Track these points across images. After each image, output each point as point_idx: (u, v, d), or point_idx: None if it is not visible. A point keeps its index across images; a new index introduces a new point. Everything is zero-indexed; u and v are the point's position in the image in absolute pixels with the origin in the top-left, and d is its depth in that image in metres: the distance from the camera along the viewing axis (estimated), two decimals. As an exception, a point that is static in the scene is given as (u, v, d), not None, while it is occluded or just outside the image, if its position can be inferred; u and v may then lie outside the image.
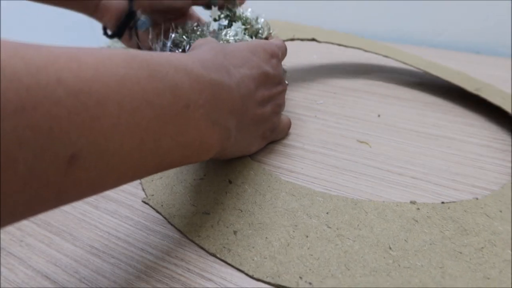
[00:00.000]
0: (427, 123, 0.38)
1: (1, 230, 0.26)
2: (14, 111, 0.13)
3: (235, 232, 0.24)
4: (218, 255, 0.23)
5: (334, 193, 0.28)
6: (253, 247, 0.23)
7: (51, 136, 0.14)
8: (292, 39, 0.45)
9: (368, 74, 0.50)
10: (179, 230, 0.25)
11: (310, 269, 0.21)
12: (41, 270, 0.23)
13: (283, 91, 0.32)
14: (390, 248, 0.22)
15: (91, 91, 0.16)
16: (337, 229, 0.24)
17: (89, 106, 0.15)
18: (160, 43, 0.36)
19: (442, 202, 0.26)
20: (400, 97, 0.45)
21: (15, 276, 0.22)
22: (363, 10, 0.74)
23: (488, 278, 0.20)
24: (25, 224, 0.26)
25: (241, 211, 0.26)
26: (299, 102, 0.43)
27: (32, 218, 0.27)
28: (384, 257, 0.22)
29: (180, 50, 0.35)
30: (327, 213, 0.25)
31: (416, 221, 0.24)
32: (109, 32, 0.39)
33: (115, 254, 0.23)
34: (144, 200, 0.27)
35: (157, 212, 0.26)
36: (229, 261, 0.22)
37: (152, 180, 0.29)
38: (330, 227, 0.24)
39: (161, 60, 0.20)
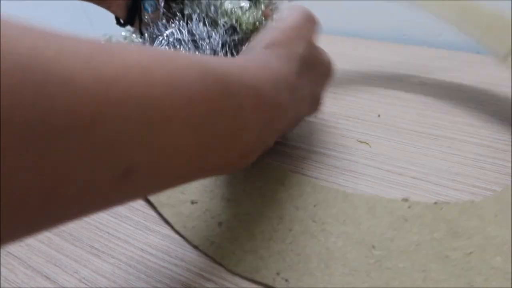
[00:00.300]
0: (427, 123, 0.38)
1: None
2: (83, 127, 0.12)
3: (220, 224, 0.24)
4: (200, 248, 0.22)
5: (334, 193, 0.28)
6: (236, 240, 0.23)
7: (111, 150, 0.14)
8: None
9: (368, 74, 0.50)
10: (166, 221, 0.24)
11: (289, 265, 0.21)
12: (41, 270, 0.23)
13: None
14: (374, 247, 0.22)
15: (160, 108, 0.15)
16: (323, 223, 0.23)
17: (154, 122, 0.15)
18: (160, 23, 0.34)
19: (435, 203, 0.25)
20: (400, 97, 0.45)
21: (15, 276, 0.22)
22: (362, 10, 0.74)
23: (472, 286, 0.20)
24: (25, 224, 0.26)
25: (229, 200, 0.25)
26: (299, 102, 0.43)
27: (32, 218, 0.27)
28: (366, 256, 0.21)
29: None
30: (315, 205, 0.24)
31: (406, 220, 0.23)
32: (121, 21, 0.39)
33: (115, 254, 0.23)
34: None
35: (148, 201, 0.26)
36: (210, 254, 0.22)
37: None
38: (315, 221, 0.23)
39: (233, 77, 0.19)
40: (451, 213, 0.24)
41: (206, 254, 0.22)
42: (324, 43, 0.53)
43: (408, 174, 0.30)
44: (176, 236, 0.25)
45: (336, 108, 0.42)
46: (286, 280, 0.20)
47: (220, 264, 0.22)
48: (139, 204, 0.28)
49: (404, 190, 0.28)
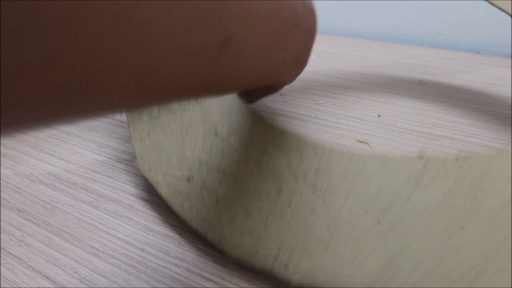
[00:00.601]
0: (427, 123, 0.38)
1: (1, 230, 0.26)
2: None
3: (217, 202, 0.22)
4: (199, 232, 0.21)
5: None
6: (234, 220, 0.21)
7: (219, 16, 0.14)
8: None
9: (368, 74, 0.50)
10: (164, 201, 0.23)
11: (287, 248, 0.19)
12: (41, 270, 0.23)
13: None
14: (387, 210, 0.19)
15: None
16: (324, 193, 0.20)
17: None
18: None
19: (456, 158, 0.20)
20: (400, 97, 0.45)
21: (15, 276, 0.22)
22: (362, 10, 0.74)
23: (501, 246, 0.17)
24: (25, 224, 0.26)
25: (225, 173, 0.23)
26: (299, 102, 0.43)
27: (32, 218, 0.27)
28: (378, 222, 0.18)
29: None
30: (316, 173, 0.21)
31: (423, 176, 0.20)
32: None
33: (115, 254, 0.23)
34: (134, 164, 0.26)
35: (145, 177, 0.25)
36: (209, 238, 0.21)
37: (141, 139, 0.27)
38: (316, 193, 0.21)
39: None
40: (475, 166, 0.20)
41: (205, 238, 0.21)
42: (325, 43, 0.53)
43: (408, 174, 0.30)
44: (176, 236, 0.25)
45: (336, 108, 0.42)
46: (285, 265, 0.18)
47: (220, 250, 0.21)
48: (139, 204, 0.28)
49: (404, 190, 0.28)
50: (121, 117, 0.41)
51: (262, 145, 0.24)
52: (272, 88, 0.24)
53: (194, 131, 0.26)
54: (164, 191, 0.24)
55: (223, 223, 0.21)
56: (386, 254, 0.18)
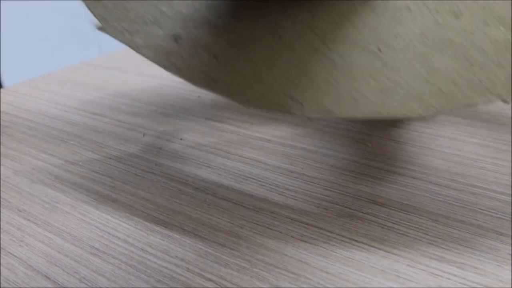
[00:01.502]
0: (427, 122, 0.38)
1: (1, 230, 0.26)
2: None
3: (216, 57, 0.21)
4: (206, 87, 0.20)
5: (335, 193, 0.28)
6: (240, 73, 0.20)
7: None
8: None
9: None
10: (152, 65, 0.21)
11: (298, 88, 0.19)
12: (41, 270, 0.23)
13: None
14: (380, 50, 0.20)
15: None
16: (324, 34, 0.21)
17: None
18: None
19: None
20: (400, 97, 0.45)
21: (15, 276, 0.22)
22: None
23: (472, 65, 0.18)
24: (25, 224, 0.26)
25: (217, 26, 0.22)
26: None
27: (32, 218, 0.27)
28: (372, 61, 0.19)
29: None
30: (313, 15, 0.21)
31: (410, 9, 0.21)
32: None
33: (115, 254, 0.23)
34: (100, 28, 0.23)
35: (120, 41, 0.22)
36: (217, 92, 0.20)
37: (98, 1, 0.23)
38: (317, 34, 0.21)
39: None
40: None
41: (212, 91, 0.20)
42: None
43: (408, 174, 0.30)
44: (176, 236, 0.25)
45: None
46: (301, 104, 0.19)
47: (232, 100, 0.20)
48: (139, 204, 0.28)
49: (404, 190, 0.28)
50: (121, 117, 0.41)
51: None
52: None
53: None
54: (149, 53, 0.21)
55: (229, 77, 0.20)
56: (382, 89, 0.19)
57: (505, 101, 0.19)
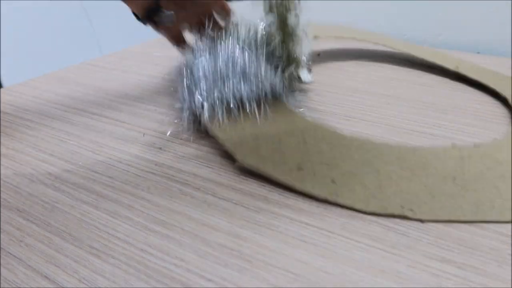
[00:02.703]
0: (427, 123, 0.38)
1: (1, 230, 0.26)
2: None
3: (333, 181, 0.28)
4: (329, 199, 0.27)
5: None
6: (354, 180, 0.29)
7: None
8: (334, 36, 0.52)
9: (368, 74, 0.50)
10: (282, 184, 0.28)
11: (412, 202, 0.27)
12: (41, 270, 0.23)
13: None
14: (455, 179, 0.28)
15: None
16: (411, 169, 0.29)
17: None
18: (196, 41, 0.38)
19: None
20: (400, 97, 0.45)
21: (14, 276, 0.22)
22: (363, 10, 0.74)
23: None
24: (25, 224, 0.26)
25: (328, 164, 0.30)
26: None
27: (32, 218, 0.27)
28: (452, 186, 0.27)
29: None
30: (398, 158, 0.31)
31: (463, 159, 0.30)
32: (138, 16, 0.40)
33: (115, 254, 0.23)
34: (240, 163, 0.30)
35: (257, 172, 0.29)
36: (341, 203, 0.27)
37: (241, 144, 0.32)
38: (403, 169, 0.29)
39: None
40: (488, 149, 0.33)
41: (336, 204, 0.27)
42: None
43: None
44: (176, 236, 0.25)
45: (336, 108, 0.42)
46: (413, 211, 0.26)
47: (358, 210, 0.27)
48: (139, 204, 0.28)
49: (404, 190, 0.28)
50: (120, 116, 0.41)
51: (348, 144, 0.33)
52: None
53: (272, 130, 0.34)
54: (282, 176, 0.29)
55: (347, 192, 0.28)
56: (466, 204, 0.27)
57: None
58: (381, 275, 0.22)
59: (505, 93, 0.42)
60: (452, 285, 0.21)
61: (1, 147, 0.36)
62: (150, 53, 0.61)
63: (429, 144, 0.34)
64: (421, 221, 0.25)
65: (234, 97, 0.34)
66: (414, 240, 0.24)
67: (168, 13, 0.39)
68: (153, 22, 0.40)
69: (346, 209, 0.26)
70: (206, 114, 0.33)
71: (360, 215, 0.26)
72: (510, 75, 0.51)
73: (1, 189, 0.30)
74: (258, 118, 0.33)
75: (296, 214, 0.26)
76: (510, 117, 0.39)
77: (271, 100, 0.36)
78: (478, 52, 0.66)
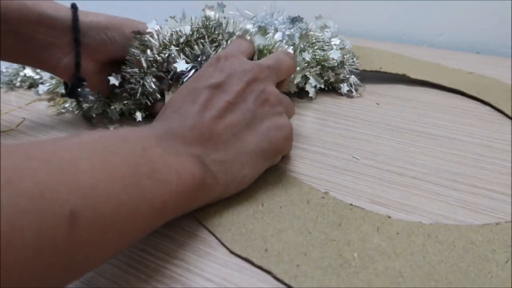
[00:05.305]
0: (427, 123, 0.38)
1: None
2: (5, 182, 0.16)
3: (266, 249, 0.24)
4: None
5: (334, 193, 0.28)
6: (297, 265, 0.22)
7: (44, 199, 0.16)
8: (378, 71, 0.49)
9: (368, 73, 0.50)
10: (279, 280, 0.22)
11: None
12: (41, 270, 0.23)
13: (254, 82, 0.28)
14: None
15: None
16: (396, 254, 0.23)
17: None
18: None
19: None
20: (400, 97, 0.45)
21: (15, 276, 0.22)
22: (363, 10, 0.74)
23: None
24: (25, 224, 0.26)
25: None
26: (298, 102, 0.43)
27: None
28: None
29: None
30: (394, 237, 0.24)
31: (474, 243, 0.24)
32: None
33: (115, 254, 0.23)
34: (235, 251, 0.23)
35: (249, 262, 0.23)
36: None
37: (230, 231, 0.25)
38: (397, 253, 0.23)
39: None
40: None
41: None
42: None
43: (408, 174, 0.30)
44: (177, 236, 0.25)
45: (336, 108, 0.42)
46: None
47: None
48: (139, 204, 0.28)
49: (404, 190, 0.28)
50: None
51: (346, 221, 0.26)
52: None
53: (266, 206, 0.27)
54: (277, 270, 0.22)
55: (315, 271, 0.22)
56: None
57: None
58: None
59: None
60: (452, 285, 0.21)
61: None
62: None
63: (429, 144, 0.34)
64: None
65: None
66: (414, 240, 0.24)
67: (86, 92, 0.38)
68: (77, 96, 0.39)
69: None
70: None
71: (360, 215, 0.26)
72: (510, 74, 0.51)
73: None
74: None
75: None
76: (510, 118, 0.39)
77: None
78: (478, 52, 0.66)
